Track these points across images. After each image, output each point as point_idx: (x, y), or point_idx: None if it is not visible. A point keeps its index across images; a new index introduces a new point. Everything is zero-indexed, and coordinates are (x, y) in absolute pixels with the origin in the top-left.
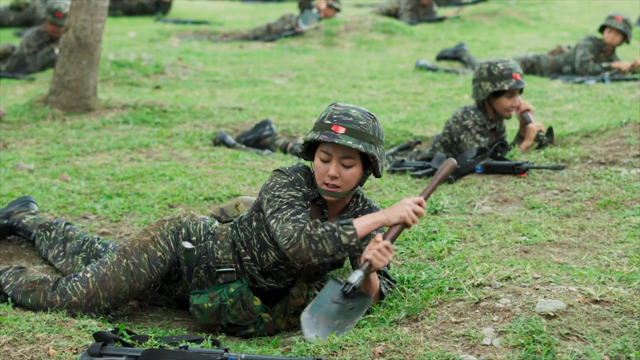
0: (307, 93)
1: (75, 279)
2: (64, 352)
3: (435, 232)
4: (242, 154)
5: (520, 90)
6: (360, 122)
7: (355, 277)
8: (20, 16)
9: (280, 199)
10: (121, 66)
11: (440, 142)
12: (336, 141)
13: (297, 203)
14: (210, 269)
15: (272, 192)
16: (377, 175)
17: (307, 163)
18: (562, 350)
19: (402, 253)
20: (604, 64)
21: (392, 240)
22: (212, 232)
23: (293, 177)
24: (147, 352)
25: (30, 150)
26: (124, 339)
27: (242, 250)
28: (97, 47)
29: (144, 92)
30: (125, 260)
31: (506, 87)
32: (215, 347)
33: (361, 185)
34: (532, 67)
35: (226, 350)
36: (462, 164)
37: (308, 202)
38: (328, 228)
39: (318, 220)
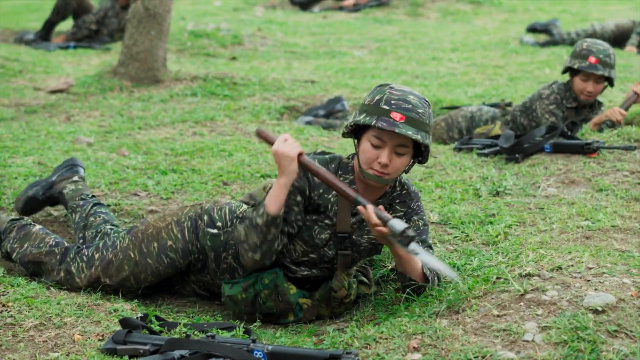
0: (385, 65)
1: (84, 257)
2: (89, 338)
3: (493, 215)
4: (308, 128)
5: (610, 82)
6: (419, 111)
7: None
8: None
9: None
10: (198, 36)
11: (520, 105)
12: (397, 130)
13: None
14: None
15: None
16: (422, 163)
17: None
18: (607, 349)
19: (456, 237)
20: None
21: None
22: (239, 215)
23: (303, 177)
24: (170, 342)
25: (93, 122)
26: (152, 326)
27: None
28: (166, 18)
29: (219, 63)
30: (133, 248)
31: (576, 66)
32: (247, 336)
33: (407, 173)
34: (627, 30)
35: (254, 340)
36: (530, 143)
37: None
38: (246, 222)
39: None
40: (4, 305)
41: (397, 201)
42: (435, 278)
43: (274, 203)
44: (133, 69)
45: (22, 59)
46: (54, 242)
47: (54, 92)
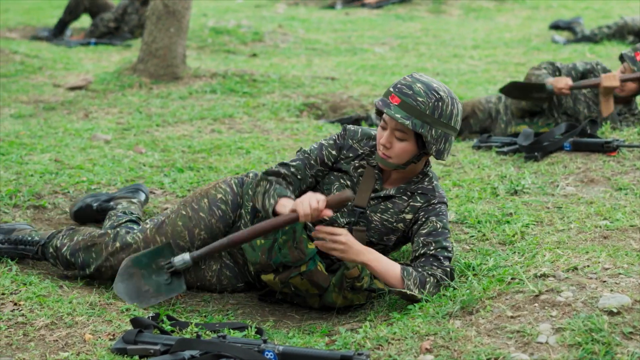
0: (406, 62)
1: (135, 229)
2: (100, 337)
3: (511, 214)
4: (327, 126)
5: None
6: (419, 99)
7: (180, 260)
8: None
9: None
10: (219, 33)
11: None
12: (385, 110)
13: (302, 157)
14: None
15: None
16: (438, 158)
17: None
18: (622, 351)
19: (472, 236)
20: None
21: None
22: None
23: (345, 138)
24: (180, 342)
25: (111, 119)
26: (164, 325)
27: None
28: (185, 15)
29: (239, 60)
30: (184, 208)
31: (622, 52)
32: (259, 336)
33: (416, 163)
34: None
35: (265, 341)
36: (549, 141)
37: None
38: (267, 187)
39: (273, 178)
40: (15, 304)
41: (419, 192)
42: (413, 283)
43: (278, 208)
44: (152, 66)
45: (42, 56)
46: (105, 230)
47: (72, 88)
